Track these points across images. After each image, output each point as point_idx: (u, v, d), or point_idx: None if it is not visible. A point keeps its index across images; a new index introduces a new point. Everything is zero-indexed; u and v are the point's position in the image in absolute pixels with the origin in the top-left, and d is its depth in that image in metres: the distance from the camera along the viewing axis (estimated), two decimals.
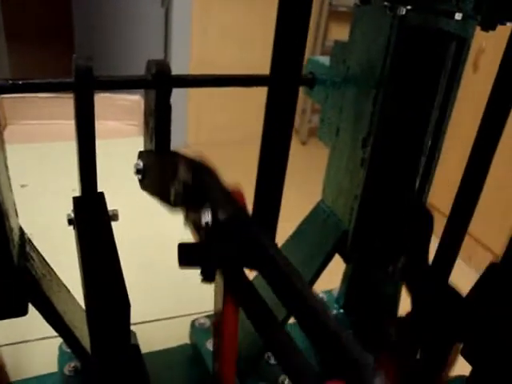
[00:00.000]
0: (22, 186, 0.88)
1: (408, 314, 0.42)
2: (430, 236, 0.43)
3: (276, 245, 0.32)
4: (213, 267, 0.30)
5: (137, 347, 0.47)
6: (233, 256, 0.29)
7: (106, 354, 0.36)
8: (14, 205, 0.38)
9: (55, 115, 1.18)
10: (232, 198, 0.30)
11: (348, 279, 0.57)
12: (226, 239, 0.28)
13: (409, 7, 0.35)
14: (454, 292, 0.38)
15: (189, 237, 0.31)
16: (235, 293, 0.32)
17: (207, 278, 0.30)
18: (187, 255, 0.30)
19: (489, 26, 0.32)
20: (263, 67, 0.36)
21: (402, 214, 0.44)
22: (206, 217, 0.28)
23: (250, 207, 0.33)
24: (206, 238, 0.29)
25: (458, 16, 0.35)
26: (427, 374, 0.38)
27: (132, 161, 0.44)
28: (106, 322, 0.34)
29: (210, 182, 0.30)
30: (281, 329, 0.28)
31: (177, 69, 0.41)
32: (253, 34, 2.51)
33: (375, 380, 0.18)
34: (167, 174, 0.35)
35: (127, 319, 0.34)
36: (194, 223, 0.30)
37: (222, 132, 2.69)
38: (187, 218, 0.32)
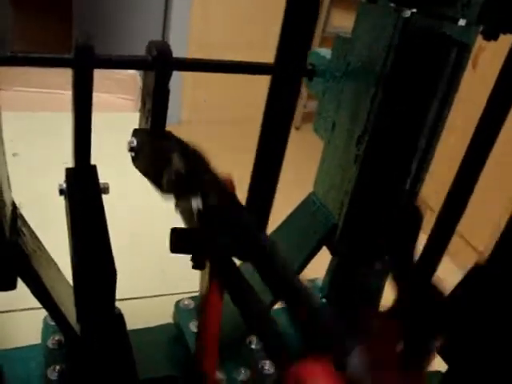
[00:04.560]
0: (14, 154, 0.88)
1: (389, 309, 0.42)
2: (418, 232, 0.43)
3: (264, 232, 0.32)
4: (204, 255, 0.31)
5: (121, 316, 0.47)
6: (222, 243, 0.30)
7: (91, 320, 0.37)
8: (8, 179, 0.38)
9: (50, 84, 1.17)
10: (223, 186, 0.30)
11: (333, 270, 0.57)
12: (216, 225, 0.29)
13: (414, 10, 0.35)
14: (436, 290, 0.38)
15: (175, 213, 0.31)
16: (222, 278, 0.33)
17: (198, 265, 0.31)
18: (179, 241, 0.30)
19: (491, 36, 0.32)
20: (262, 51, 0.37)
21: (392, 212, 0.45)
22: (197, 203, 0.29)
23: (239, 194, 0.33)
24: (198, 224, 0.29)
25: (462, 22, 0.35)
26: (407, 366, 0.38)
27: (125, 136, 0.44)
28: (92, 288, 0.35)
29: (202, 170, 0.31)
30: (266, 313, 0.28)
31: (175, 50, 0.40)
32: (254, 14, 2.48)
33: (352, 354, 0.19)
34: (160, 159, 0.35)
35: (113, 287, 0.35)
36: (184, 210, 0.31)
37: (216, 110, 2.68)
38: (178, 205, 0.32)
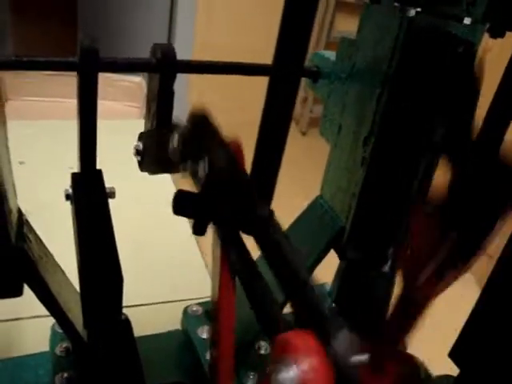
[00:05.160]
0: (21, 162, 0.88)
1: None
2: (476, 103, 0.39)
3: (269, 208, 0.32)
4: (205, 220, 0.30)
5: (127, 321, 0.47)
6: (226, 211, 0.30)
7: (98, 327, 0.36)
8: (14, 186, 0.38)
9: (56, 93, 1.17)
10: (230, 150, 0.30)
11: (341, 274, 0.57)
12: (220, 191, 0.29)
13: (418, 9, 0.35)
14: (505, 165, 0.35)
15: (185, 221, 0.31)
16: (225, 246, 0.32)
17: (198, 230, 0.30)
18: (183, 203, 0.30)
19: (498, 34, 0.32)
20: (267, 53, 0.36)
21: (400, 214, 0.44)
22: (203, 168, 0.28)
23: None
24: (202, 188, 0.29)
25: (467, 21, 0.35)
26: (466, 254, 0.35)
27: (130, 144, 0.44)
28: (98, 294, 0.34)
29: (208, 133, 0.31)
30: (271, 296, 0.28)
31: (180, 52, 0.40)
32: (257, 20, 2.49)
33: (340, 332, 0.21)
34: (166, 137, 0.34)
35: (120, 293, 0.35)
36: (192, 174, 0.31)
37: (221, 114, 2.68)
38: (185, 170, 0.32)
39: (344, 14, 2.59)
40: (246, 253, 0.30)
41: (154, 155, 0.41)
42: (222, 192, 0.29)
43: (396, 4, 0.36)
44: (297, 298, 0.24)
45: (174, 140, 0.32)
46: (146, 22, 2.46)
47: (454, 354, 0.38)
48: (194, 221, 0.30)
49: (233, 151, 0.30)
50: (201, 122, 0.31)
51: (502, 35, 0.32)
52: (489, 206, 0.31)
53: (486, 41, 0.38)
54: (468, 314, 0.38)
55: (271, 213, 0.30)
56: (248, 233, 0.29)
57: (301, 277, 0.24)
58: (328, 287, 0.60)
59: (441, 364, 0.40)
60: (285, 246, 0.26)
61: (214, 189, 0.29)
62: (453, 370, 0.36)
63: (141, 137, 0.44)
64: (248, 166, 0.34)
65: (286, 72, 0.33)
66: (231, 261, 0.31)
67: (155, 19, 2.47)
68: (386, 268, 0.46)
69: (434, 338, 0.82)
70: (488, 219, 0.31)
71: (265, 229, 0.27)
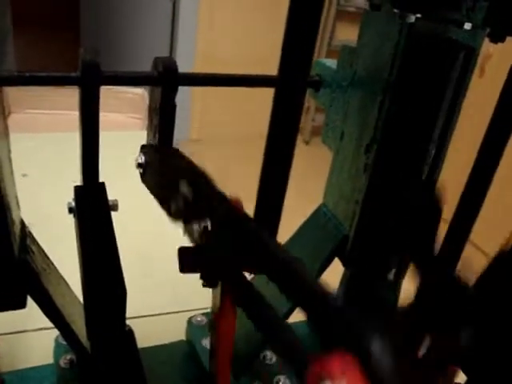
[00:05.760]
0: (23, 175, 0.88)
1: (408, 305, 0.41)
2: (438, 223, 0.41)
3: (275, 240, 0.32)
4: (214, 272, 0.30)
5: (131, 333, 0.47)
6: (232, 256, 0.29)
7: (102, 339, 0.36)
8: (16, 197, 0.38)
9: (59, 105, 1.18)
10: (232, 206, 0.30)
11: (346, 283, 0.57)
12: (224, 239, 0.28)
13: (418, 15, 0.35)
14: (460, 281, 0.36)
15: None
16: (234, 292, 0.32)
17: (209, 283, 0.30)
18: (188, 260, 0.30)
19: (498, 38, 0.32)
20: (269, 64, 0.36)
21: (404, 220, 0.44)
22: (205, 223, 0.28)
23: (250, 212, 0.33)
24: (206, 240, 0.29)
25: (468, 26, 0.35)
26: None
27: (133, 155, 0.44)
28: (102, 306, 0.34)
29: (209, 194, 0.30)
30: (282, 322, 0.28)
31: (182, 64, 0.40)
32: (259, 29, 2.50)
33: (373, 346, 0.18)
34: (168, 182, 0.35)
35: (123, 305, 0.35)
36: (193, 234, 0.30)
37: (225, 128, 2.69)
38: (186, 230, 0.32)
39: (344, 23, 2.61)
40: (255, 295, 0.29)
41: (154, 182, 0.41)
42: (227, 240, 0.28)
43: (396, 10, 0.36)
44: (321, 316, 0.22)
45: (177, 204, 0.32)
46: (147, 35, 2.48)
47: (462, 361, 0.37)
48: (204, 275, 0.30)
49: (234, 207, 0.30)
50: (202, 185, 0.31)
51: (502, 40, 0.32)
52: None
53: (487, 47, 0.38)
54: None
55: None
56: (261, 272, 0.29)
57: (319, 293, 0.22)
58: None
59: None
60: (308, 277, 0.25)
61: (216, 239, 0.28)
62: (460, 377, 0.36)
63: (143, 149, 0.45)
64: (255, 177, 0.34)
65: (292, 82, 0.33)
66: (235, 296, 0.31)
67: (157, 33, 2.49)
68: (391, 276, 0.46)
69: None
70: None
71: (281, 265, 0.27)
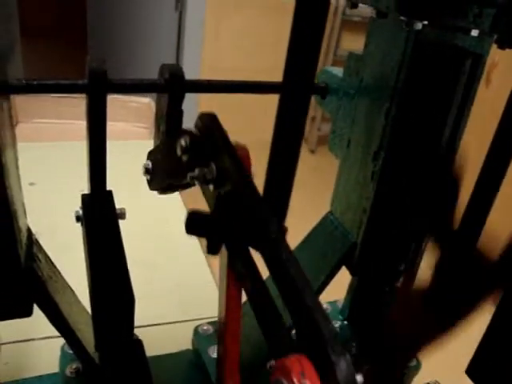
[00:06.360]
0: (31, 184, 0.89)
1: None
2: (456, 201, 0.41)
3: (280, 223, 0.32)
4: (218, 239, 0.30)
5: (140, 342, 0.47)
6: (237, 229, 0.29)
7: (110, 347, 0.36)
8: (23, 205, 0.38)
9: (66, 115, 1.18)
10: (239, 160, 0.30)
11: (353, 291, 0.56)
12: (232, 210, 0.29)
13: (425, 22, 0.35)
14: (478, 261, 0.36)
15: (195, 241, 0.31)
16: (235, 266, 0.32)
17: (211, 250, 0.30)
18: (195, 223, 0.30)
19: (506, 44, 0.31)
20: (274, 75, 0.36)
21: (412, 228, 0.44)
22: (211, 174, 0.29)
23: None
24: (214, 209, 0.29)
25: (475, 33, 0.34)
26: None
27: (140, 164, 0.44)
28: (110, 315, 0.34)
29: (217, 136, 0.31)
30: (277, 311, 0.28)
31: (188, 74, 0.40)
32: (265, 40, 2.51)
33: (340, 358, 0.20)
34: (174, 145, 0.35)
35: (131, 313, 0.35)
36: (199, 180, 0.31)
37: (231, 135, 2.69)
38: (193, 180, 0.32)
39: (350, 33, 2.61)
40: (255, 271, 0.30)
41: (162, 167, 0.41)
42: (234, 212, 0.29)
43: (402, 18, 0.36)
44: (299, 320, 0.23)
45: (183, 142, 0.32)
46: (153, 46, 2.49)
47: (471, 371, 0.37)
48: (207, 240, 0.30)
49: (240, 158, 0.30)
50: (210, 124, 0.31)
51: (510, 46, 0.32)
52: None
53: (492, 56, 0.38)
54: (482, 330, 0.37)
55: (283, 231, 0.29)
56: (258, 249, 0.29)
57: (305, 299, 0.23)
58: (340, 305, 0.60)
59: (456, 381, 0.39)
60: (291, 267, 0.26)
61: (226, 209, 0.29)
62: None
63: (150, 155, 0.45)
64: (261, 184, 0.34)
65: (296, 89, 0.33)
66: (239, 273, 0.31)
67: (163, 43, 2.51)
68: (399, 284, 0.45)
69: (448, 355, 0.80)
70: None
71: (274, 247, 0.27)
